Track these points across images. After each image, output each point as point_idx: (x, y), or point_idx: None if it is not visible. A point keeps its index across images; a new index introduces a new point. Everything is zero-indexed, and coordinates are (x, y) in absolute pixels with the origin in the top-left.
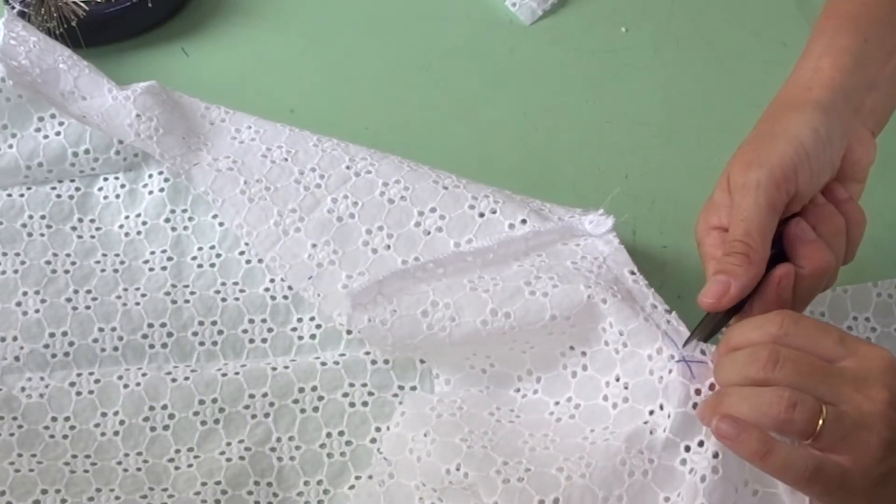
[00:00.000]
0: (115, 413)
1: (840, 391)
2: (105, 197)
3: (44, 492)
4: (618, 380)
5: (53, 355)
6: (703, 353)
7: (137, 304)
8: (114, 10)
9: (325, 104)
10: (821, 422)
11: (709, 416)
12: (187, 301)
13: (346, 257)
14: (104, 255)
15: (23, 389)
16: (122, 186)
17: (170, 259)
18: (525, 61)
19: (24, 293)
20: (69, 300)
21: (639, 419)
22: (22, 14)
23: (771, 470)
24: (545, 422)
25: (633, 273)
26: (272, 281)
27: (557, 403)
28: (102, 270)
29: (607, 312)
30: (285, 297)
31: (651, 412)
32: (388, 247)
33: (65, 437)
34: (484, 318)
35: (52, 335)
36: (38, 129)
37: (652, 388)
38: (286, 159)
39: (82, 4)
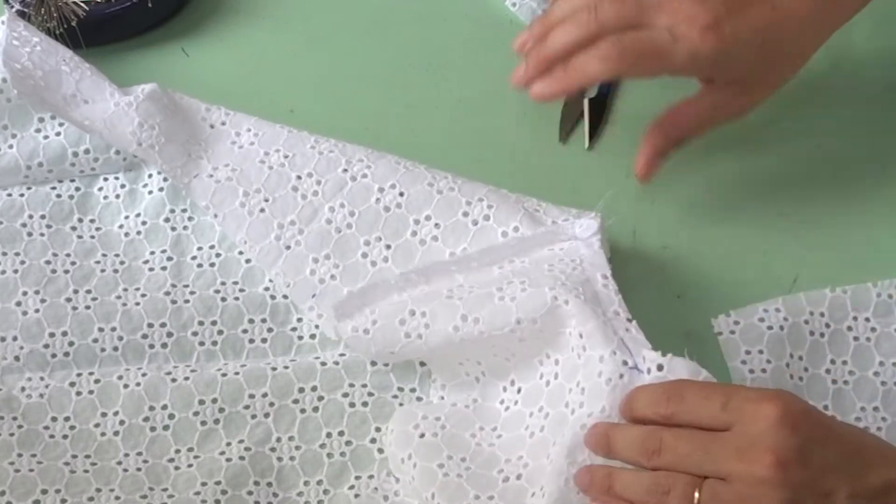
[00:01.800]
0: (115, 413)
1: (722, 466)
2: (105, 197)
3: (44, 492)
4: (578, 385)
5: (53, 355)
6: (659, 368)
7: (137, 304)
8: (114, 10)
9: (325, 104)
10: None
11: (599, 493)
12: (187, 301)
13: (347, 271)
14: (104, 255)
15: (23, 389)
16: (122, 186)
17: (169, 259)
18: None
19: (24, 293)
20: (69, 300)
21: (577, 425)
22: (21, 14)
23: None
24: (521, 440)
25: (604, 277)
26: (272, 280)
27: (532, 415)
28: (102, 270)
29: (569, 314)
30: (285, 297)
31: (589, 414)
32: (387, 259)
33: (65, 437)
34: (455, 324)
35: (52, 335)
36: (38, 130)
37: (599, 391)
38: (283, 164)
39: (82, 4)
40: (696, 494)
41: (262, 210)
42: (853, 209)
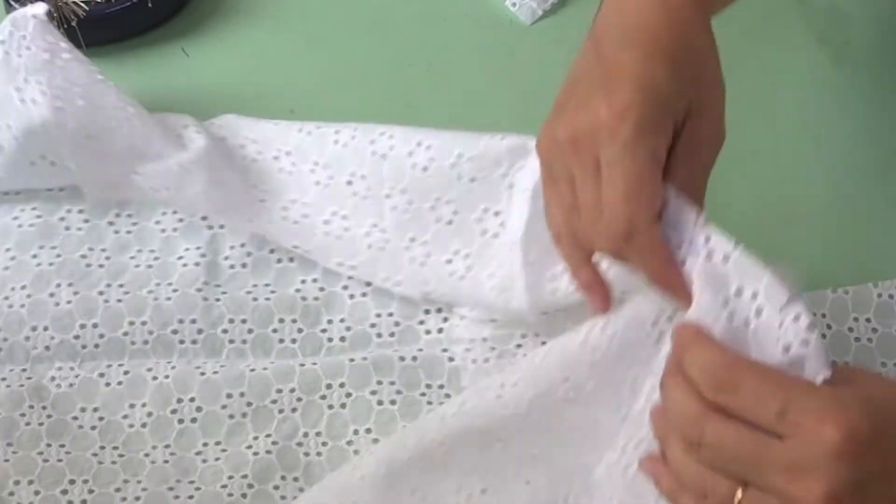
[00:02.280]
0: (143, 405)
1: (767, 480)
2: None
3: (71, 482)
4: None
5: (84, 346)
6: (725, 259)
7: (168, 299)
8: (114, 10)
9: (325, 104)
10: None
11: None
12: (218, 299)
13: (433, 242)
14: (139, 250)
15: (52, 379)
16: None
17: (203, 256)
18: (525, 61)
19: (58, 284)
20: (101, 293)
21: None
22: None
23: None
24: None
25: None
26: (303, 282)
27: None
28: (136, 266)
29: None
30: (316, 299)
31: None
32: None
33: (93, 427)
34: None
35: (82, 326)
36: None
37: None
38: (332, 177)
39: (82, 4)
40: (738, 497)
41: (347, 229)
42: (853, 209)
